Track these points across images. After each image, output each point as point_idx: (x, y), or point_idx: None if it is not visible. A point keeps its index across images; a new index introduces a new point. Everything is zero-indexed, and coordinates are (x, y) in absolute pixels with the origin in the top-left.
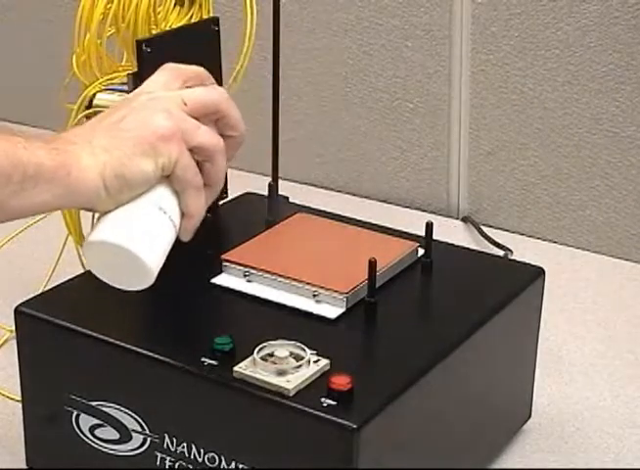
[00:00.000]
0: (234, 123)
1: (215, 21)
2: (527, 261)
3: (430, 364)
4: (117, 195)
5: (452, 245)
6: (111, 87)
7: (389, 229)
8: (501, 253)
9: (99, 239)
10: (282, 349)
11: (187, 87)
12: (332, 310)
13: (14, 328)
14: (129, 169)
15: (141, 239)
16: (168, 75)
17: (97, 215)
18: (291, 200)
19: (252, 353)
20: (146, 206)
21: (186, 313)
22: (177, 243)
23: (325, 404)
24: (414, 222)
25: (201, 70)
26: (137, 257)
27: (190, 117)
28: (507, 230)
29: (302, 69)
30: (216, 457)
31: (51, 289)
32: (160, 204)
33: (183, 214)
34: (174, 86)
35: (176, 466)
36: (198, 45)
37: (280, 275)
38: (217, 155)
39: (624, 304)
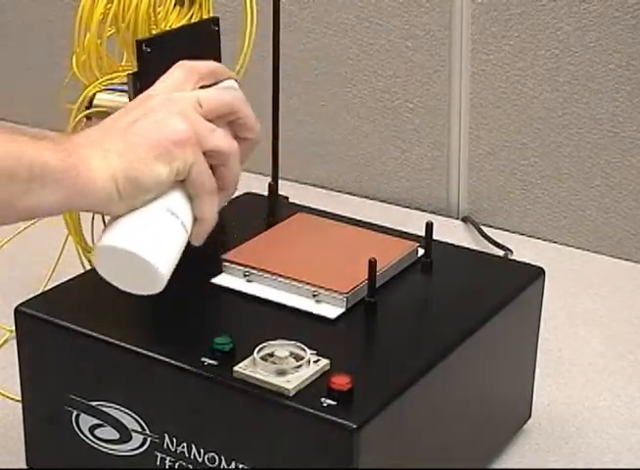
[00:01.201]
0: (250, 125)
1: (215, 21)
2: (527, 261)
3: (430, 364)
4: (130, 199)
5: (452, 245)
6: (111, 87)
7: (389, 229)
8: (501, 253)
9: (108, 244)
10: (282, 349)
11: (202, 86)
12: (332, 310)
13: (14, 328)
14: (142, 173)
15: (151, 244)
16: (182, 75)
17: (107, 219)
18: (291, 200)
19: (252, 353)
20: (157, 210)
21: (186, 313)
22: None
23: (325, 404)
24: (414, 222)
25: (215, 65)
26: (147, 262)
27: (205, 120)
28: (507, 230)
29: (302, 69)
30: (216, 457)
31: (51, 289)
32: (172, 208)
33: (195, 219)
34: (188, 86)
35: (176, 466)
36: (198, 45)
37: (280, 275)
38: (232, 158)
39: (624, 304)
